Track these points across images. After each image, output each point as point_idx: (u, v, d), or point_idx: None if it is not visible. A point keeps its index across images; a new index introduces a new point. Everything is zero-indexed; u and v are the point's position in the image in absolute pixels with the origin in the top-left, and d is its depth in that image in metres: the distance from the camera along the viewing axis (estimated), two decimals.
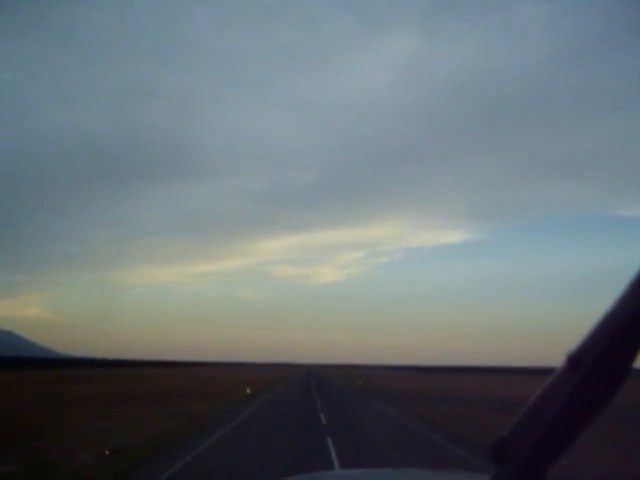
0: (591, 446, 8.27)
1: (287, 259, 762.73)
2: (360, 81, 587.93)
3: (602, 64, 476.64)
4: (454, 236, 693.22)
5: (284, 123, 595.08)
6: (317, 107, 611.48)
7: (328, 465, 12.86)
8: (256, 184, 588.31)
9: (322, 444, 16.61)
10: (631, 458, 15.04)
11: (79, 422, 21.89)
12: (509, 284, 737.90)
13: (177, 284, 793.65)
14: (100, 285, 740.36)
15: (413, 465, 11.94)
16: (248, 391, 46.22)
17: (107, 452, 14.79)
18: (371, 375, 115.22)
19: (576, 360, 1.20)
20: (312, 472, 4.84)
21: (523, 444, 1.23)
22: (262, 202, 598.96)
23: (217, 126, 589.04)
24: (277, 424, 22.58)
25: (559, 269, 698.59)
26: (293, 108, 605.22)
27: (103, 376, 75.90)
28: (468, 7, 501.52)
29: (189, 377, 79.60)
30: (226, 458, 14.88)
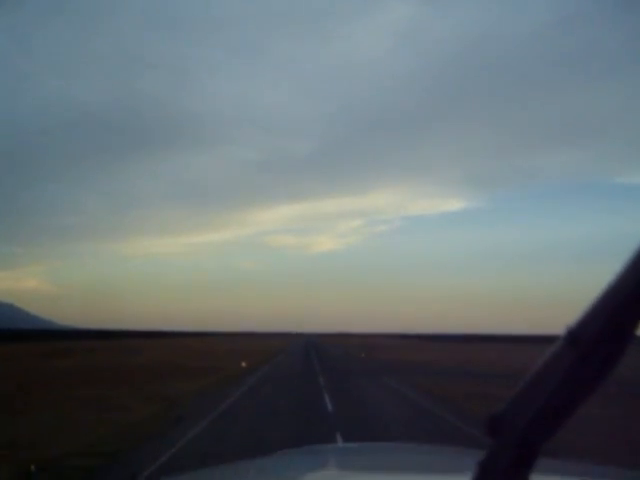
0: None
1: (285, 228, 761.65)
2: (358, 48, 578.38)
3: (601, 29, 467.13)
4: (453, 204, 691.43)
5: (282, 91, 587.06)
6: (315, 75, 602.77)
7: None
8: (254, 153, 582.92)
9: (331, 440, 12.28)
10: None
11: (26, 409, 17.68)
12: (509, 252, 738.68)
13: (175, 254, 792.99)
14: (98, 256, 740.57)
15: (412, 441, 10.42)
16: (243, 365, 42.19)
17: (32, 468, 10.08)
18: (373, 344, 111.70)
19: (574, 335, 1.20)
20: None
21: (520, 418, 1.23)
22: (260, 171, 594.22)
23: (214, 95, 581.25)
24: (273, 413, 18.22)
25: (558, 237, 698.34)
26: (291, 76, 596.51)
27: (96, 348, 72.26)
28: None
29: (183, 349, 75.69)
30: None
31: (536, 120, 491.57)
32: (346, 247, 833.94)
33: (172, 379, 29.41)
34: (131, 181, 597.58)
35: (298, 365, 44.47)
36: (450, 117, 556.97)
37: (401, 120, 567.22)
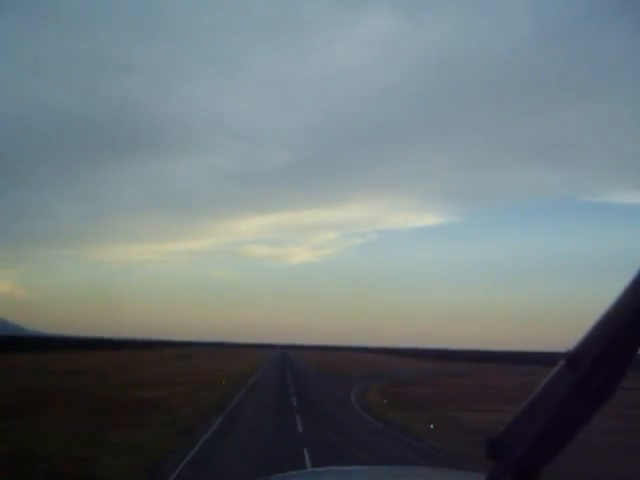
0: None
1: (261, 239, 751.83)
2: (336, 59, 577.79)
3: (583, 45, 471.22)
4: (429, 219, 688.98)
5: (259, 101, 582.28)
6: (292, 85, 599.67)
7: None
8: (230, 163, 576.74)
9: None
10: None
11: None
12: (484, 267, 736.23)
13: (150, 262, 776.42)
14: (72, 262, 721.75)
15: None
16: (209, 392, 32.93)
17: None
18: (371, 361, 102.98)
19: (574, 359, 1.21)
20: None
21: (520, 441, 1.23)
22: (236, 181, 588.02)
23: (191, 103, 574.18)
24: None
25: (533, 253, 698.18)
26: (268, 86, 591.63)
27: (37, 363, 62.59)
28: None
29: (140, 366, 66.01)
30: None
31: (513, 137, 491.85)
32: (321, 259, 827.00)
33: (94, 430, 18.30)
34: (108, 187, 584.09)
35: (272, 395, 35.23)
36: (428, 132, 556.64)
37: (377, 133, 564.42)
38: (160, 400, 30.58)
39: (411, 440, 21.04)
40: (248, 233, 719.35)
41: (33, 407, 24.75)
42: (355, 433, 22.46)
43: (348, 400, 36.14)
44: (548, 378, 1.25)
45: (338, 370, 77.79)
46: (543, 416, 1.21)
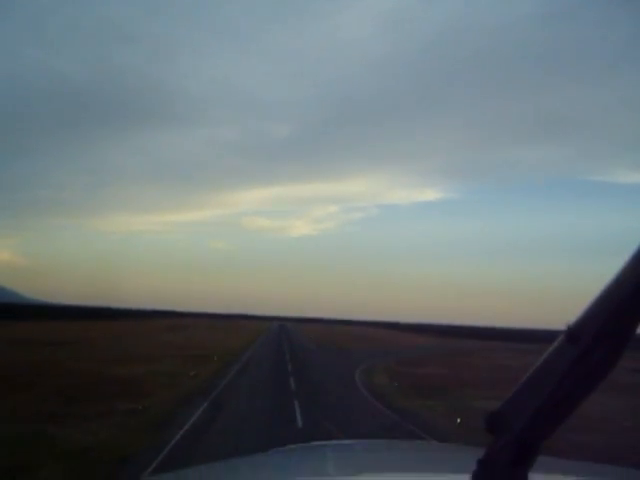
0: None
1: (261, 211, 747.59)
2: (338, 31, 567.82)
3: (586, 28, 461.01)
4: (429, 194, 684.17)
5: (262, 73, 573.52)
6: (294, 57, 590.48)
7: None
8: (232, 134, 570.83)
9: None
10: None
11: None
12: (484, 243, 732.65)
13: (150, 232, 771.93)
14: (73, 232, 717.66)
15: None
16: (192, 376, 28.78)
17: None
18: (373, 336, 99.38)
19: (575, 334, 1.21)
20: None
21: (519, 416, 1.23)
22: (237, 153, 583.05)
23: (193, 73, 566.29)
24: None
25: (534, 230, 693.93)
26: (270, 57, 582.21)
27: (22, 332, 59.44)
28: None
29: (129, 337, 61.94)
30: None
31: (516, 114, 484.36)
32: (321, 232, 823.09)
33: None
34: (109, 157, 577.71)
35: (268, 379, 31.15)
36: (430, 107, 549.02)
37: (380, 107, 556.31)
38: (137, 379, 26.37)
39: (438, 441, 16.74)
40: (248, 205, 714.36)
41: None
42: (364, 428, 18.18)
43: (352, 382, 31.95)
44: (548, 353, 1.24)
45: (339, 345, 73.74)
46: (543, 390, 1.21)
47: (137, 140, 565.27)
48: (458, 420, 19.79)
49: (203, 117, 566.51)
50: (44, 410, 17.21)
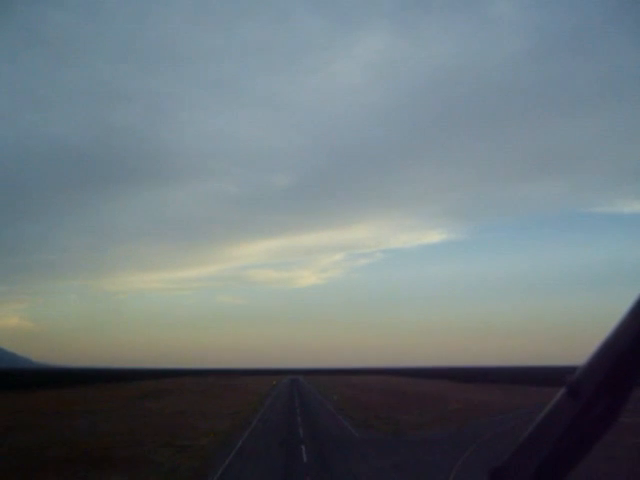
0: None
1: (267, 263, 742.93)
2: (334, 80, 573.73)
3: (586, 59, 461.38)
4: (433, 236, 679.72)
5: (261, 125, 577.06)
6: (292, 108, 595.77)
7: None
8: (233, 187, 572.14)
9: None
10: None
11: None
12: (488, 282, 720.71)
13: (158, 290, 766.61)
14: (80, 293, 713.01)
15: None
16: None
17: None
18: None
19: (575, 389, 1.20)
20: None
21: (522, 471, 1.22)
22: (239, 205, 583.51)
23: (193, 129, 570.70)
24: None
25: (538, 267, 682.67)
26: (269, 110, 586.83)
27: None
28: (440, 2, 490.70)
29: (79, 413, 51.50)
30: None
31: (515, 153, 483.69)
32: (328, 281, 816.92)
33: None
34: (112, 217, 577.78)
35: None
36: (430, 150, 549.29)
37: (381, 154, 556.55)
38: None
39: None
40: (254, 257, 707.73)
41: None
42: None
43: None
44: (548, 407, 1.23)
45: (384, 416, 48.80)
46: (545, 445, 1.19)
47: (139, 198, 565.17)
48: None
49: (203, 172, 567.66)
50: None
